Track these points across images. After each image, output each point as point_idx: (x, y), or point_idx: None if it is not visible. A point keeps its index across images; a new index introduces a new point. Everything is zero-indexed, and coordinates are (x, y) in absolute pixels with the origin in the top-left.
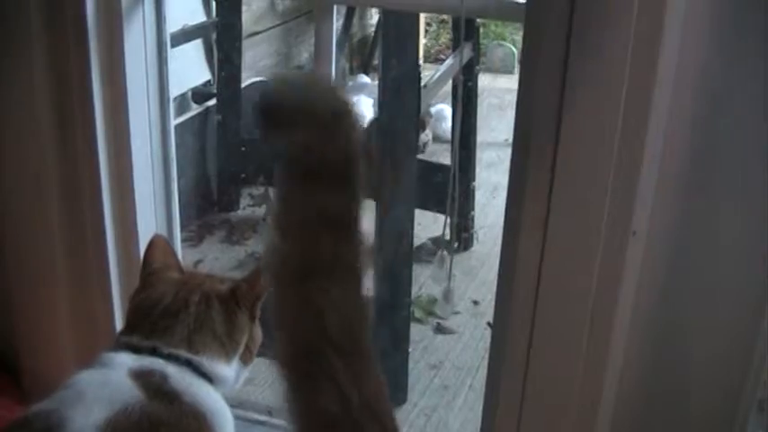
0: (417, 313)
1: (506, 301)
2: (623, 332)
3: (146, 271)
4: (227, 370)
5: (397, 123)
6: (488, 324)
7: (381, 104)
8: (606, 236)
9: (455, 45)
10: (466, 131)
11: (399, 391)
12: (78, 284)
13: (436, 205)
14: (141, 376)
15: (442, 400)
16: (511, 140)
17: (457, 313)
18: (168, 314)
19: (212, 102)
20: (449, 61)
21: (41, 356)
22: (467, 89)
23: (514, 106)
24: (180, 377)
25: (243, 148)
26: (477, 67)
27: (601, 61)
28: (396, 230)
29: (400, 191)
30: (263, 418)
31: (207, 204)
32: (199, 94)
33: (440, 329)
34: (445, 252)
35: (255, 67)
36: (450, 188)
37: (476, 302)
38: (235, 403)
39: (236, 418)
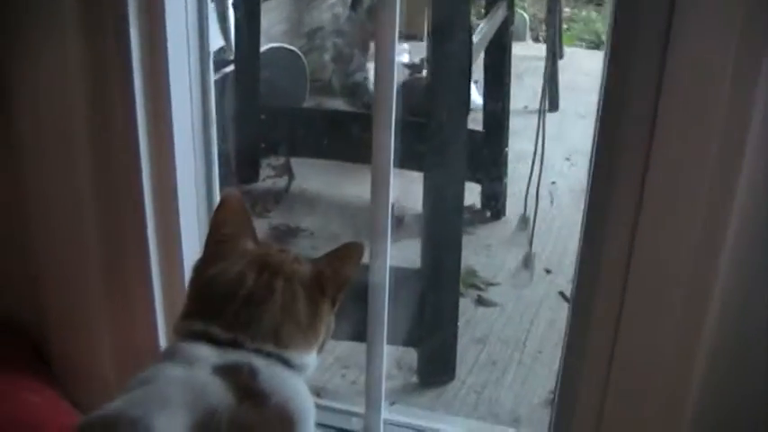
0: None
1: (592, 277)
2: (715, 319)
3: (215, 237)
4: (311, 360)
5: (450, 80)
6: (561, 294)
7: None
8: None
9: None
10: (498, 96)
11: (448, 368)
12: (113, 257)
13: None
14: (229, 374)
15: (491, 376)
16: (530, 107)
17: (497, 284)
18: (253, 302)
19: (228, 69)
20: (486, 21)
21: (74, 341)
22: (501, 50)
23: (529, 73)
24: (269, 374)
25: (262, 117)
26: (512, 28)
27: None
28: (445, 198)
29: (450, 156)
30: None
31: (225, 176)
32: (214, 62)
33: (481, 302)
34: (528, 215)
35: (268, 33)
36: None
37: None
38: None
39: None
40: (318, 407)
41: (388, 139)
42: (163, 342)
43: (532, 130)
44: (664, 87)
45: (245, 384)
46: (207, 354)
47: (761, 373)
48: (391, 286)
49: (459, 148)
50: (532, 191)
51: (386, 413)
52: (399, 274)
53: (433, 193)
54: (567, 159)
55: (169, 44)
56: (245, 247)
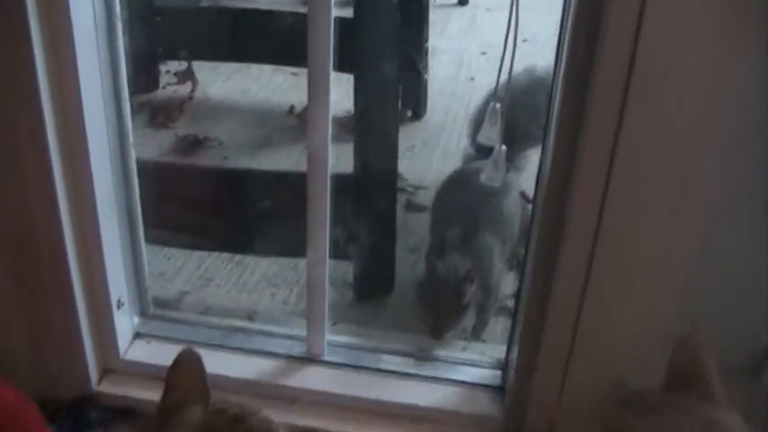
0: None
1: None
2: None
3: (161, 405)
4: None
5: None
6: (522, 194)
7: None
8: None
9: None
10: None
11: (387, 281)
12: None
13: None
14: None
15: None
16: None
17: (424, 188)
18: None
19: None
20: None
21: None
22: None
23: None
24: None
25: (157, 18)
26: None
27: None
28: (379, 101)
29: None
30: (241, 323)
31: None
32: None
33: (411, 207)
34: (497, 106)
35: None
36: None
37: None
38: (203, 309)
39: (211, 327)
40: (253, 331)
41: (325, 39)
42: None
43: (442, 26)
44: None
45: None
46: None
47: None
48: None
49: (387, 45)
50: (456, 86)
51: (328, 334)
52: (331, 181)
53: (365, 93)
54: (483, 53)
55: None
56: (189, 419)
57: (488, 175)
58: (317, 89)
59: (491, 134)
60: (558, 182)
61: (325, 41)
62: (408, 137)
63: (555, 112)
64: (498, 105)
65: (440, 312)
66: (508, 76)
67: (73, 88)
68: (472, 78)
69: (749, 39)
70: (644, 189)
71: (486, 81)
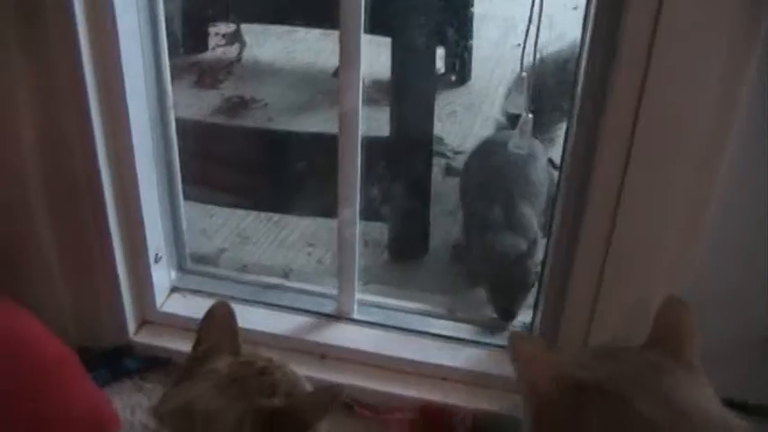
0: None
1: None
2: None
3: (192, 353)
4: None
5: None
6: (550, 161)
7: None
8: None
9: None
10: None
11: (421, 243)
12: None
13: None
14: None
15: None
16: None
17: (464, 152)
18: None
19: None
20: None
21: None
22: None
23: None
24: None
25: None
26: None
27: None
28: (415, 65)
29: (418, 18)
30: (276, 281)
31: (172, 46)
32: None
33: (450, 171)
34: (524, 74)
35: None
36: None
37: None
38: (239, 266)
39: (247, 283)
40: (288, 289)
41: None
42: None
43: None
44: None
45: None
46: None
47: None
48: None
49: (427, 10)
50: (503, 52)
51: (359, 294)
52: (367, 144)
53: (402, 58)
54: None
55: None
56: (217, 367)
57: (515, 142)
58: (349, 51)
59: (518, 102)
60: (582, 149)
61: (356, 2)
62: (451, 101)
63: (580, 81)
64: (525, 74)
65: (509, 293)
66: (534, 47)
67: (111, 32)
68: (519, 45)
69: None
70: (665, 159)
71: (532, 49)
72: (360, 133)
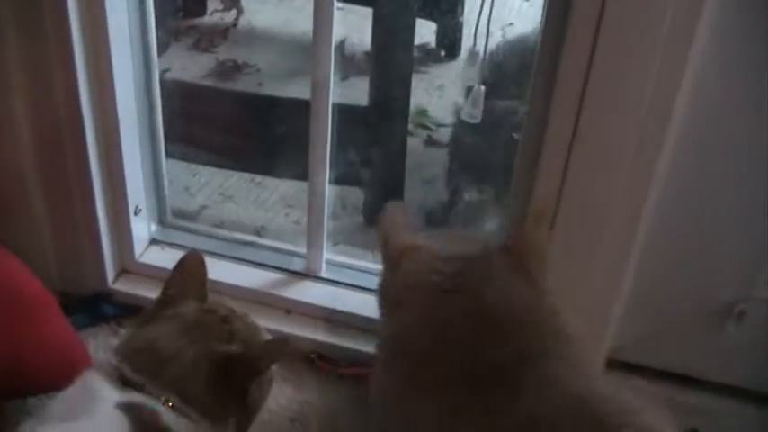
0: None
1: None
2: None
3: (159, 297)
4: None
5: None
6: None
7: None
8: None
9: None
10: None
11: None
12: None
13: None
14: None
15: None
16: None
17: (448, 125)
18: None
19: None
20: None
21: None
22: None
23: None
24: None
25: None
26: None
27: None
28: (395, 37)
29: None
30: (250, 238)
31: (171, 9)
32: None
33: (431, 142)
34: (477, 49)
35: None
36: None
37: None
38: (218, 223)
39: (222, 239)
40: (261, 246)
41: None
42: None
43: None
44: None
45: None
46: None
47: None
48: (337, 125)
49: None
50: (494, 30)
51: (329, 253)
52: (345, 112)
53: (382, 29)
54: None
55: None
56: (182, 311)
57: (467, 112)
58: (321, 18)
59: (473, 113)
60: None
61: None
62: (439, 75)
63: (535, 61)
64: (483, 88)
65: None
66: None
67: None
68: (511, 24)
69: None
70: (611, 132)
71: (525, 27)
72: (330, 102)
